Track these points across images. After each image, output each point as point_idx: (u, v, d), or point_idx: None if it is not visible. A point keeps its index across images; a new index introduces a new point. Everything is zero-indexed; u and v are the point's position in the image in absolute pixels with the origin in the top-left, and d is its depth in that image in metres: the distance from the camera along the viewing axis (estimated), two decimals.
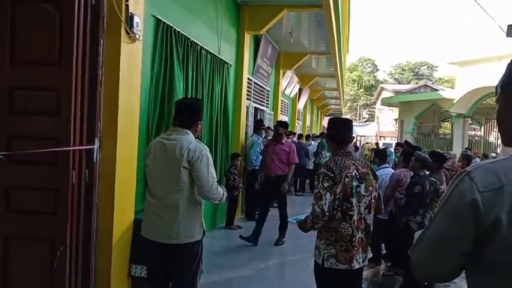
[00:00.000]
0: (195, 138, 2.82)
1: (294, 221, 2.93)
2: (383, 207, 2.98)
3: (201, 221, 2.78)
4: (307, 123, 19.97)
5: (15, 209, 2.94)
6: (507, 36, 7.92)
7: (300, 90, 15.43)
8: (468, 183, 1.02)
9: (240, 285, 4.37)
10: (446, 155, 5.50)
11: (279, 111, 11.76)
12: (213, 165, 2.77)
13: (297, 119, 16.13)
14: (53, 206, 2.94)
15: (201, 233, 2.77)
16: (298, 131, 15.98)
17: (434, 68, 64.46)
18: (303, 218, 2.77)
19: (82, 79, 3.00)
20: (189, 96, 4.80)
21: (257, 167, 7.17)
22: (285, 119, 13.65)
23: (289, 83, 12.79)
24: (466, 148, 11.45)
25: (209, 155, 2.75)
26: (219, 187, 2.80)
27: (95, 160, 3.14)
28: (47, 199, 2.94)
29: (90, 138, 3.10)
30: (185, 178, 2.66)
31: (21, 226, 2.94)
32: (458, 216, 1.03)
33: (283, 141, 6.11)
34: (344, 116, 23.41)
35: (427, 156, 4.59)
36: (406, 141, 7.61)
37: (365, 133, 35.25)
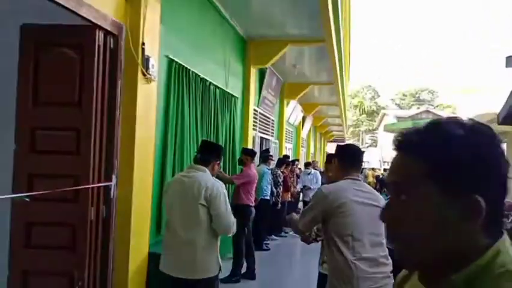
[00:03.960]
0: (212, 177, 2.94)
1: None
2: None
3: (217, 257, 2.86)
4: (311, 150, 20.10)
5: (35, 245, 3.03)
6: (506, 66, 8.11)
7: (304, 118, 15.63)
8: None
9: None
10: None
11: (284, 140, 11.90)
12: (228, 202, 2.88)
13: (302, 146, 16.28)
14: (71, 242, 3.03)
15: (217, 269, 2.85)
16: (302, 158, 16.09)
17: (435, 93, 64.93)
18: None
19: (101, 119, 3.14)
20: (199, 129, 4.96)
21: (267, 197, 7.27)
22: (290, 146, 13.78)
23: (293, 112, 12.99)
24: None
25: (225, 192, 2.87)
26: (234, 222, 2.90)
27: (112, 196, 3.24)
28: (66, 235, 3.03)
29: (108, 174, 3.22)
30: (202, 215, 2.77)
31: (40, 261, 3.02)
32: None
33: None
34: (347, 142, 23.54)
35: None
36: None
37: (368, 159, 35.17)
